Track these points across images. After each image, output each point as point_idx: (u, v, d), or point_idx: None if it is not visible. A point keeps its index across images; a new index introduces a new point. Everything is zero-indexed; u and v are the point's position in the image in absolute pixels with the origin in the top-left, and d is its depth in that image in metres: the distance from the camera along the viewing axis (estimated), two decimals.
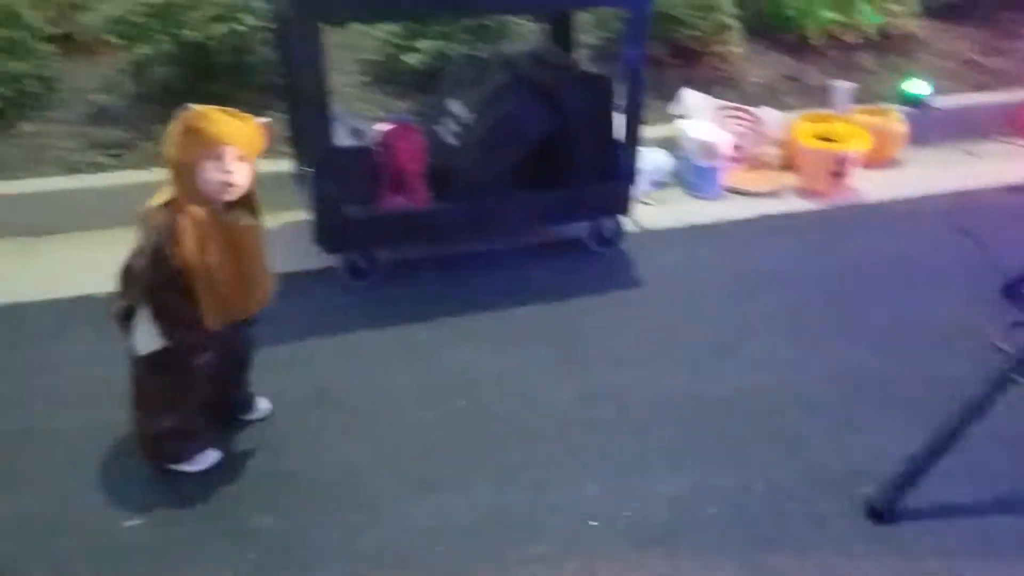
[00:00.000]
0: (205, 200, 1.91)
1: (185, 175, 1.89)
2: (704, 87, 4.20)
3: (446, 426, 2.34)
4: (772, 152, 4.00)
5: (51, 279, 2.96)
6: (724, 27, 4.32)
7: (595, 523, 2.07)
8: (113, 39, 4.04)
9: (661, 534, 2.05)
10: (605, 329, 2.81)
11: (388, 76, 4.15)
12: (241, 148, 1.90)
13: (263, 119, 1.98)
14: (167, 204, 1.93)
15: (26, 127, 3.59)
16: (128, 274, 1.98)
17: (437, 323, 2.78)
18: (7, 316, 2.76)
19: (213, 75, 3.76)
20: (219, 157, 1.88)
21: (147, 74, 3.75)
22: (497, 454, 2.25)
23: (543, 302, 2.94)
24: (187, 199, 1.90)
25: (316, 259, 2.97)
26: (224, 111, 1.91)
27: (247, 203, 2.00)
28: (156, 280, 1.91)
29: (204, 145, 1.87)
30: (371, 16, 3.46)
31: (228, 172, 1.89)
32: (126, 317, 2.01)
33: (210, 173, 1.88)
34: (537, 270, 3.15)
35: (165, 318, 1.95)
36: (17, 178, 3.38)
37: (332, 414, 2.37)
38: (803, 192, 3.84)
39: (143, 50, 3.63)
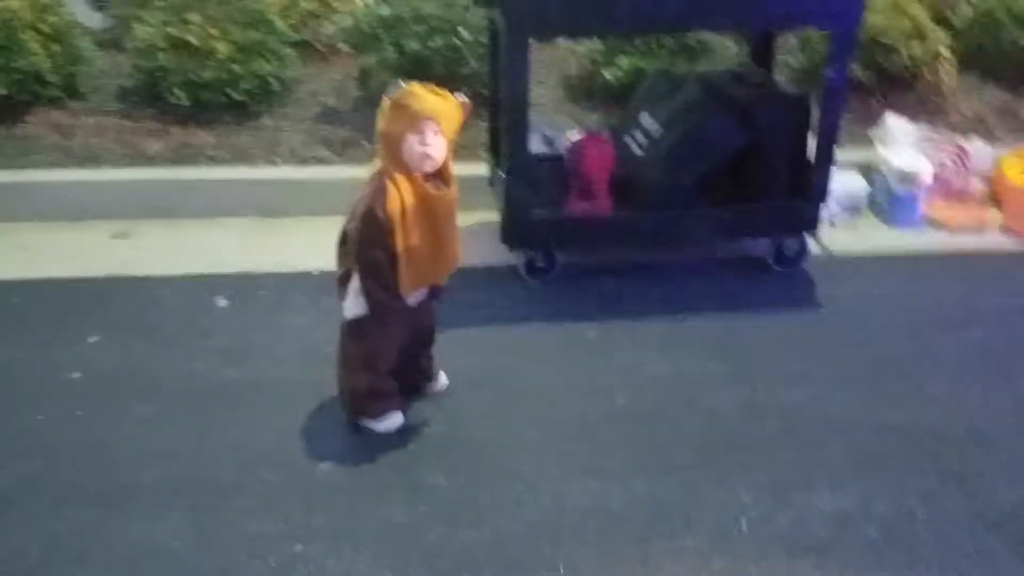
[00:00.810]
0: (407, 170, 2.16)
1: (392, 146, 2.15)
2: (910, 115, 4.08)
3: (608, 420, 2.48)
4: (977, 186, 3.83)
5: (278, 255, 3.36)
6: (937, 56, 4.18)
7: (747, 526, 2.13)
8: (345, 47, 4.50)
9: (815, 547, 2.08)
10: (778, 347, 2.84)
11: (585, 90, 4.34)
12: (441, 123, 2.14)
13: (462, 98, 2.21)
14: (377, 172, 2.21)
15: (266, 121, 4.07)
16: (344, 237, 2.27)
17: (608, 324, 2.92)
18: (241, 283, 3.17)
19: (427, 84, 4.09)
20: (421, 131, 2.12)
21: (370, 80, 4.14)
22: (655, 451, 2.36)
23: (716, 314, 3.01)
24: (393, 167, 2.16)
25: (501, 256, 3.20)
26: (429, 89, 2.16)
27: (443, 175, 2.24)
28: (365, 237, 2.18)
29: (409, 120, 2.12)
30: (579, 32, 3.66)
31: (427, 145, 2.13)
32: (343, 282, 2.30)
33: (412, 146, 2.13)
34: (714, 283, 3.21)
35: (369, 274, 2.21)
36: (256, 165, 3.85)
37: (504, 395, 2.57)
38: (1007, 230, 3.65)
39: (370, 58, 4.01)
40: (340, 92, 4.33)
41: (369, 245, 2.19)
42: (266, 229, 3.61)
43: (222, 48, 3.92)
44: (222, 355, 2.73)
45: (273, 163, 3.85)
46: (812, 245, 3.34)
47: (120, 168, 3.76)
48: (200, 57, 3.91)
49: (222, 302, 3.05)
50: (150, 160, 3.82)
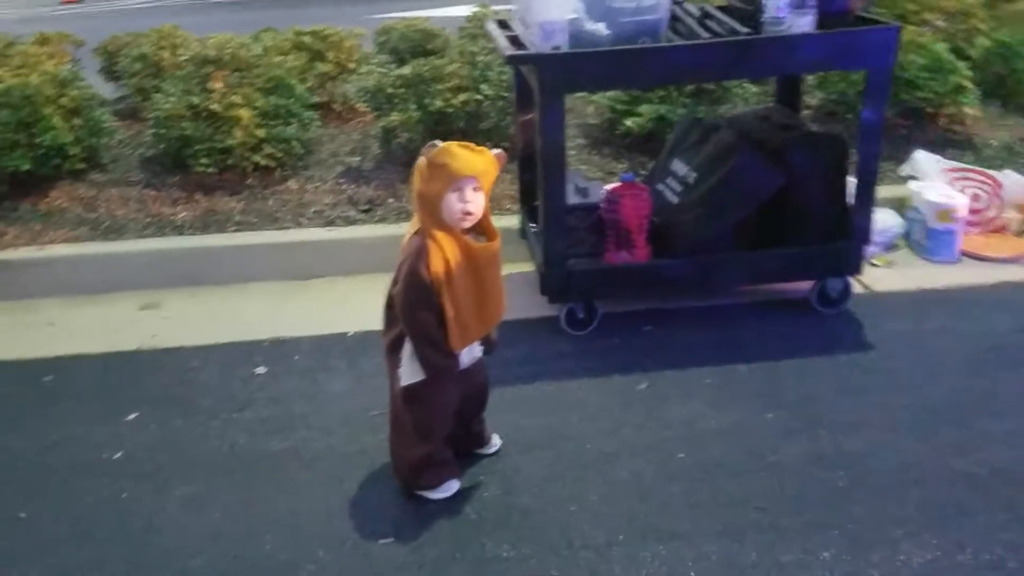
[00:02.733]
0: (447, 227, 2.11)
1: (430, 206, 2.11)
2: (937, 149, 4.06)
3: (670, 478, 2.39)
4: (1014, 217, 3.78)
5: (310, 318, 3.30)
6: (960, 89, 4.16)
7: None
8: (363, 106, 4.50)
9: None
10: (832, 391, 2.76)
11: (606, 139, 4.33)
12: (479, 180, 2.11)
13: (497, 151, 2.18)
14: (416, 232, 2.16)
15: (292, 184, 4.05)
16: (390, 301, 2.22)
17: (656, 375, 2.85)
18: (274, 349, 3.12)
19: (449, 139, 4.07)
20: (460, 189, 2.09)
21: (393, 139, 4.12)
22: (723, 510, 2.26)
23: (764, 360, 2.94)
24: (432, 226, 2.12)
25: (539, 308, 3.14)
26: (464, 146, 2.12)
27: (484, 227, 2.21)
28: (412, 299, 2.13)
29: (447, 179, 2.08)
30: (614, 86, 3.67)
31: (467, 202, 2.10)
32: (394, 349, 2.24)
33: (452, 204, 2.09)
34: (758, 328, 3.14)
35: (422, 338, 2.15)
36: (285, 228, 3.82)
37: (559, 455, 2.48)
38: None
39: (393, 118, 4.00)
40: (362, 151, 4.32)
41: (417, 307, 2.14)
42: (296, 292, 3.56)
43: (245, 114, 3.91)
44: (262, 425, 2.65)
45: (300, 225, 3.81)
46: (855, 285, 3.27)
47: (145, 239, 3.74)
48: (224, 124, 3.90)
49: (260, 369, 2.98)
50: (176, 229, 3.79)
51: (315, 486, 2.39)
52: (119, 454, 2.54)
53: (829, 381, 2.82)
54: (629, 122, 4.18)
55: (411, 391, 2.23)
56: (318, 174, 4.13)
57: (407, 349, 2.21)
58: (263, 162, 3.99)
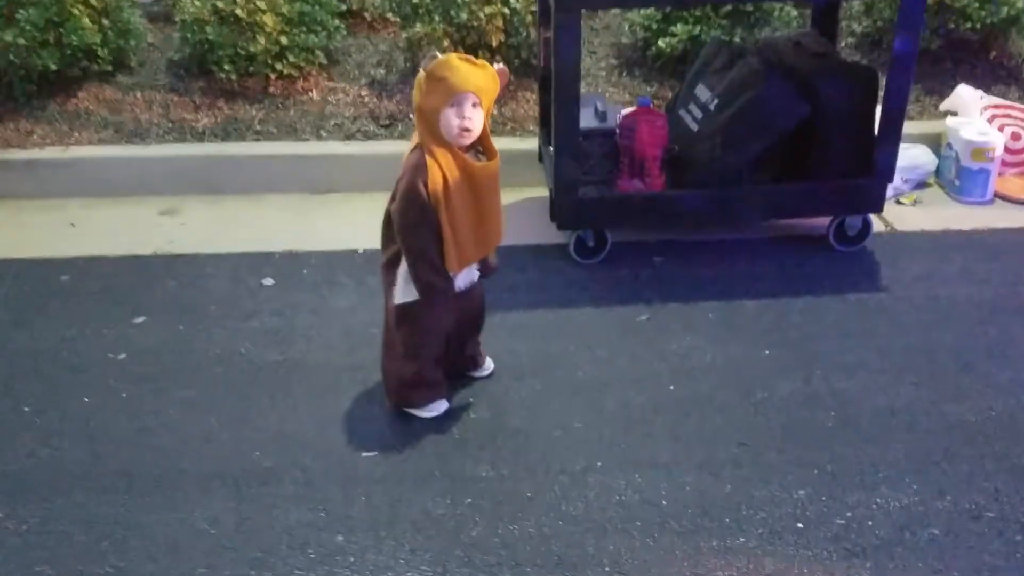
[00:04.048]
0: (445, 143, 2.09)
1: (429, 120, 2.08)
2: (983, 84, 3.87)
3: (657, 409, 2.39)
4: None
5: (323, 233, 3.32)
6: (1013, 20, 3.94)
7: (801, 525, 2.04)
8: (392, 17, 4.41)
9: (873, 548, 1.99)
10: (836, 332, 2.72)
11: (639, 60, 4.20)
12: (479, 95, 2.07)
13: (499, 66, 2.13)
14: (415, 148, 2.15)
15: (314, 95, 4.02)
16: (387, 218, 2.22)
17: (659, 307, 2.83)
18: (285, 262, 3.15)
19: (475, 54, 4.00)
20: (459, 105, 2.05)
21: (417, 51, 4.05)
22: (706, 444, 2.27)
23: (773, 297, 2.89)
24: (431, 142, 2.09)
25: (550, 235, 3.11)
26: (465, 59, 2.08)
27: (483, 146, 2.18)
28: (410, 216, 2.12)
29: (446, 93, 2.04)
30: (632, 3, 3.52)
31: (465, 119, 2.07)
32: (390, 267, 2.25)
33: (450, 120, 2.06)
34: (770, 263, 3.09)
35: (418, 256, 2.15)
36: (304, 140, 3.81)
37: (551, 381, 2.50)
38: None
39: (417, 29, 3.93)
40: (388, 63, 4.26)
41: (415, 225, 2.13)
42: (311, 205, 3.58)
43: (269, 20, 3.87)
44: (265, 337, 2.71)
45: (320, 137, 3.81)
46: (875, 222, 3.19)
47: (167, 144, 3.76)
48: (247, 30, 3.87)
49: (268, 281, 3.03)
50: (198, 136, 3.81)
51: (309, 398, 2.45)
52: (123, 355, 2.62)
53: (834, 321, 2.77)
54: (662, 42, 4.04)
55: (403, 310, 2.25)
56: (341, 85, 4.09)
57: (403, 267, 2.22)
58: (285, 71, 3.96)
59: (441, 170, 2.09)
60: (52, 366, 2.57)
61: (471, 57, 2.11)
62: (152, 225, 3.43)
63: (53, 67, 3.85)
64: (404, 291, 2.24)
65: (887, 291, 2.94)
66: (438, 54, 2.08)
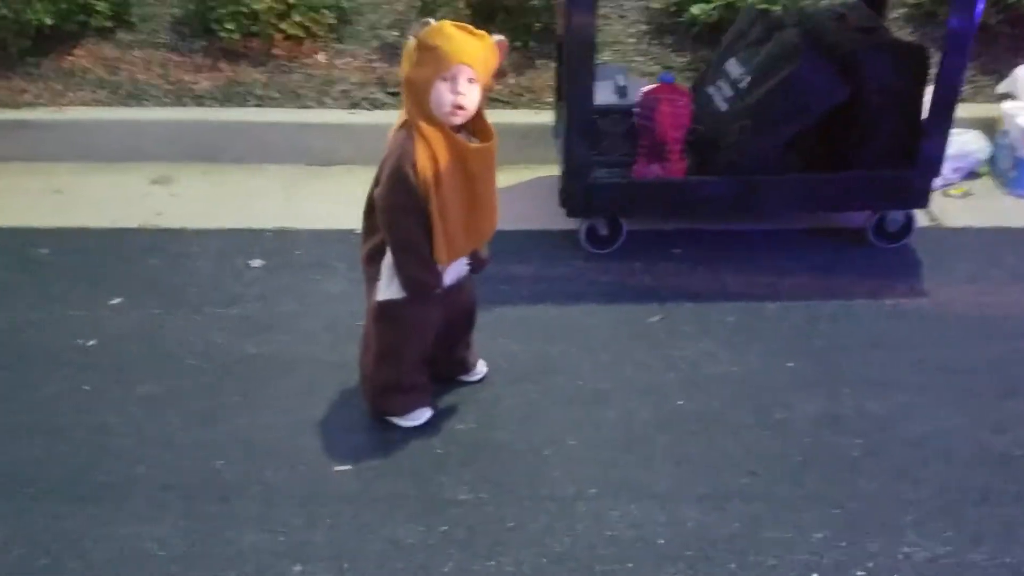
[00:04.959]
0: (436, 121, 1.86)
1: (418, 94, 1.85)
2: None
3: (661, 427, 2.17)
4: None
5: (320, 209, 3.11)
6: None
7: (816, 575, 1.81)
8: None
9: None
10: (868, 343, 2.46)
11: (670, 27, 3.90)
12: (474, 69, 1.84)
13: (499, 37, 1.90)
14: (402, 125, 1.92)
15: (320, 57, 3.79)
16: (370, 204, 1.99)
17: (673, 307, 2.59)
18: (277, 241, 2.95)
19: (493, 17, 3.73)
20: (452, 78, 1.82)
21: (432, 12, 3.79)
22: (711, 471, 2.04)
23: (800, 299, 2.64)
24: (420, 119, 1.87)
25: (561, 220, 2.87)
26: (461, 27, 1.85)
27: (478, 125, 1.95)
28: (395, 202, 1.90)
29: (437, 65, 1.82)
30: None
31: (459, 94, 1.84)
32: (372, 259, 2.03)
33: (442, 94, 1.83)
34: (801, 260, 2.82)
35: (403, 248, 1.94)
36: (307, 107, 3.59)
37: (547, 389, 2.28)
38: None
39: None
40: (402, 25, 4.00)
41: (401, 212, 1.91)
42: (311, 178, 3.36)
43: None
44: (245, 325, 2.52)
45: (323, 105, 3.58)
46: (919, 217, 2.90)
47: (164, 107, 3.56)
48: None
49: (256, 262, 2.83)
50: (196, 99, 3.61)
51: (283, 397, 2.26)
52: (93, 342, 2.44)
53: (866, 330, 2.51)
54: (696, 8, 3.74)
55: (385, 308, 2.03)
56: (350, 48, 3.84)
57: (387, 260, 2.00)
58: (291, 31, 3.73)
59: (431, 151, 1.86)
60: (16, 351, 2.41)
61: (468, 26, 1.87)
62: (142, 194, 3.25)
63: (48, 22, 3.65)
64: (389, 286, 2.02)
65: (928, 296, 2.67)
66: (431, 21, 1.84)
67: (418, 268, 1.96)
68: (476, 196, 1.96)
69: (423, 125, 1.87)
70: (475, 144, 1.94)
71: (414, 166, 1.86)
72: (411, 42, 1.85)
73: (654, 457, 2.08)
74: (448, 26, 1.83)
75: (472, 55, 1.84)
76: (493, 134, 1.98)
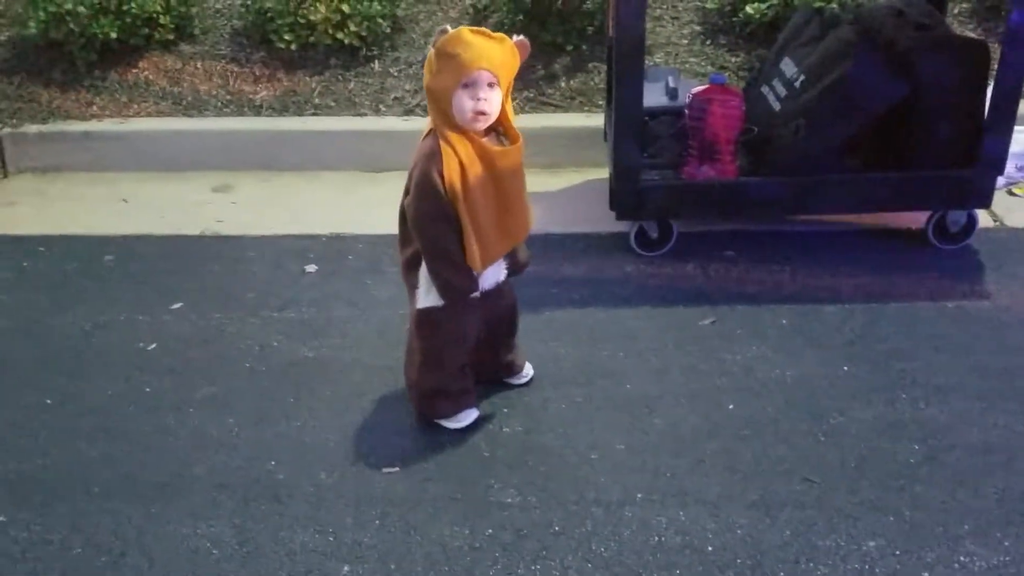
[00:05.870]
0: (461, 128, 1.88)
1: (441, 103, 1.87)
2: None
3: (711, 433, 2.14)
4: None
5: (374, 215, 3.16)
6: None
7: None
8: None
9: None
10: (929, 347, 2.39)
11: (724, 27, 3.86)
12: (494, 73, 1.84)
13: (519, 38, 1.91)
14: (428, 133, 1.94)
15: (375, 66, 3.85)
16: (403, 214, 2.02)
17: (726, 310, 2.56)
18: (329, 246, 3.01)
19: (545, 21, 3.74)
20: (472, 84, 1.84)
21: (483, 20, 3.82)
22: (763, 478, 2.00)
23: (859, 302, 2.58)
24: (445, 126, 1.88)
25: (611, 223, 2.86)
26: (479, 32, 1.85)
27: (504, 129, 1.96)
28: (425, 210, 1.92)
29: (457, 73, 1.83)
30: None
31: (480, 100, 1.85)
32: (411, 268, 2.06)
33: (463, 101, 1.85)
34: (858, 262, 2.77)
35: (437, 255, 1.95)
36: (362, 115, 3.65)
37: (594, 393, 2.27)
38: None
39: None
40: None
41: (430, 219, 1.93)
42: (364, 185, 3.42)
43: None
44: (298, 328, 2.57)
45: (378, 112, 3.63)
46: (982, 217, 2.81)
47: (224, 117, 3.66)
48: None
49: (310, 267, 2.88)
50: (255, 109, 3.70)
51: (334, 401, 2.29)
52: (153, 345, 2.52)
53: (927, 333, 2.45)
54: (750, 8, 3.71)
55: (425, 315, 2.05)
56: (405, 56, 3.90)
57: (424, 268, 2.02)
58: (347, 40, 3.79)
59: (457, 157, 1.88)
60: (80, 355, 2.50)
61: (485, 30, 1.88)
62: (203, 202, 3.34)
63: (114, 36, 3.78)
64: (427, 294, 2.04)
65: (991, 299, 2.59)
66: (448, 28, 1.85)
67: (452, 273, 1.97)
68: (506, 199, 1.97)
69: (448, 132, 1.89)
70: (500, 147, 1.95)
71: (441, 173, 1.88)
72: (431, 52, 1.86)
73: (704, 463, 2.05)
74: (466, 32, 1.84)
75: (491, 60, 1.84)
76: (519, 136, 1.99)
